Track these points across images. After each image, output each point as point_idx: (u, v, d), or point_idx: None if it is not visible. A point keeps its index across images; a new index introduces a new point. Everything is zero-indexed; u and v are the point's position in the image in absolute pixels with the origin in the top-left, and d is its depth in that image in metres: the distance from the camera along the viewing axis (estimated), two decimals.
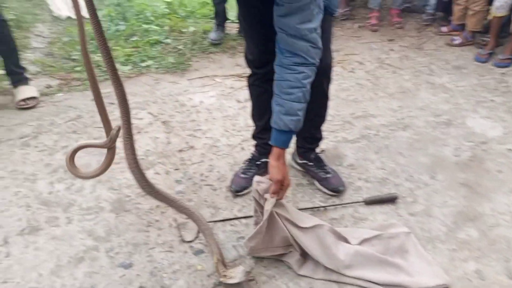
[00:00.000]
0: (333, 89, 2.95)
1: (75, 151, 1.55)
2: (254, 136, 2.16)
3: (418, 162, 2.31)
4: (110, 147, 1.54)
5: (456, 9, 3.67)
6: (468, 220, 1.97)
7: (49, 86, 3.04)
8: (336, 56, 3.40)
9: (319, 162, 2.15)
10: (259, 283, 1.68)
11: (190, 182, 2.19)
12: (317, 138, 2.16)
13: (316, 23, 1.46)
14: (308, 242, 1.69)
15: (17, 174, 2.21)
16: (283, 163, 1.66)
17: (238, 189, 2.08)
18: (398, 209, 2.02)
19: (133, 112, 2.70)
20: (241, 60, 3.45)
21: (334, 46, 3.52)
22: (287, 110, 1.57)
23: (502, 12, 3.22)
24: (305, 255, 1.74)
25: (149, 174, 2.22)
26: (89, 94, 2.93)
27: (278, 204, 1.68)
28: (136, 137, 2.48)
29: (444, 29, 3.82)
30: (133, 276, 1.70)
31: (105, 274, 1.71)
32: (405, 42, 3.72)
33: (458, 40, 3.61)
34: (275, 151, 1.65)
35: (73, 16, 4.22)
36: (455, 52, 3.53)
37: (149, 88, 3.02)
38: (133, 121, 2.62)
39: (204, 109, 2.77)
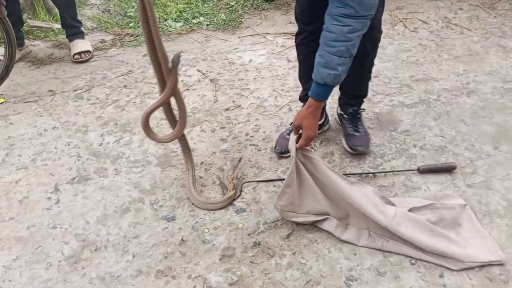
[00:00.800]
0: (393, 49, 2.79)
1: (148, 115, 1.66)
2: (301, 98, 2.07)
3: (482, 131, 2.12)
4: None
5: None
6: None
7: (103, 41, 3.08)
8: (398, 15, 3.18)
9: (354, 118, 2.07)
10: (300, 245, 1.64)
11: (235, 141, 2.15)
12: (358, 95, 2.05)
13: None
14: (354, 194, 1.62)
15: (70, 125, 2.28)
16: (311, 114, 1.58)
17: (283, 151, 2.02)
18: (455, 180, 1.88)
19: (182, 69, 2.70)
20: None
21: (396, 3, 3.32)
22: (327, 63, 1.47)
23: None
24: (345, 221, 1.67)
25: (195, 132, 2.22)
26: (141, 49, 2.96)
27: (313, 159, 1.65)
28: (184, 94, 2.48)
29: None
30: (176, 229, 1.72)
31: (149, 225, 1.74)
32: (476, 0, 3.38)
33: None
34: (309, 101, 1.59)
35: None
36: None
37: (199, 45, 2.98)
38: (182, 78, 2.63)
39: (253, 68, 2.70)
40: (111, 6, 3.71)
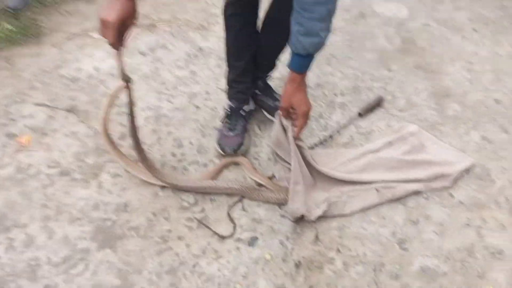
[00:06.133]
0: None
1: None
2: (230, 82, 1.76)
3: (368, 60, 2.27)
4: None
5: None
6: (443, 97, 2.06)
7: None
8: None
9: (268, 89, 1.92)
10: (335, 240, 1.47)
11: (167, 168, 1.69)
12: (273, 65, 1.88)
13: None
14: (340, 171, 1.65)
15: None
16: (297, 88, 1.40)
17: (236, 148, 1.72)
18: (389, 110, 1.99)
19: (11, 110, 1.91)
20: None
21: None
22: (307, 31, 1.26)
23: None
24: (348, 193, 1.61)
25: (105, 181, 1.64)
26: None
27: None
28: (45, 140, 1.78)
29: None
30: None
31: None
32: None
33: None
34: (291, 75, 1.39)
35: None
36: None
37: (7, 72, 2.12)
38: (24, 121, 1.85)
39: (108, 76, 2.10)
40: None
